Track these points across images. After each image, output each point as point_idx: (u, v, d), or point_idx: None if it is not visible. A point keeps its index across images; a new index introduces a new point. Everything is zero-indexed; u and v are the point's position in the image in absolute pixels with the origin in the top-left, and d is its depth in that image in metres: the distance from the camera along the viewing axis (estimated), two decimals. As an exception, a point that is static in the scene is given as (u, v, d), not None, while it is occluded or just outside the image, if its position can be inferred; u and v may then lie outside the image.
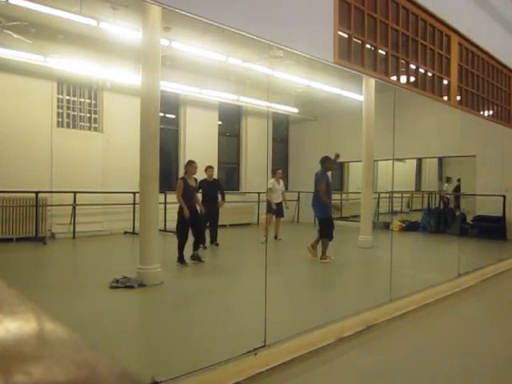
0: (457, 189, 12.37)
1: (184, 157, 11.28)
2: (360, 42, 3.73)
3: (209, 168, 7.91)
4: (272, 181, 8.72)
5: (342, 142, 12.10)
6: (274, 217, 8.74)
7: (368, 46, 3.82)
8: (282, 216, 8.97)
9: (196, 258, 6.45)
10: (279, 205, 8.84)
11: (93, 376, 0.36)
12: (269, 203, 8.81)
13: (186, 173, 6.49)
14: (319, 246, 6.84)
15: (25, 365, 0.35)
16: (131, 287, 4.89)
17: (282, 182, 9.02)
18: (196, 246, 6.47)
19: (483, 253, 8.27)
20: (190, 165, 6.45)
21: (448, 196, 12.14)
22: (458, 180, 12.43)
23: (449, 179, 12.84)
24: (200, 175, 8.28)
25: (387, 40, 4.02)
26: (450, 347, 3.60)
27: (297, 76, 9.85)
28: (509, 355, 3.50)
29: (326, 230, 6.80)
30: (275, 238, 8.81)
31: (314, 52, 3.36)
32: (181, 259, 6.22)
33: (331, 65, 3.51)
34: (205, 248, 7.47)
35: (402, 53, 4.23)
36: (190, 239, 6.41)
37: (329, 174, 6.93)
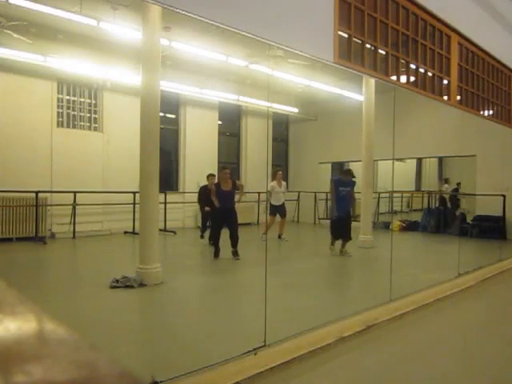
0: (455, 191, 12.37)
1: (184, 157, 11.29)
2: (360, 41, 3.73)
3: (210, 176, 8.05)
4: (273, 184, 8.78)
5: (342, 141, 12.12)
6: (277, 217, 8.81)
7: (368, 45, 3.82)
8: (284, 216, 9.02)
9: (234, 254, 6.85)
10: (282, 206, 8.90)
11: (93, 376, 0.36)
12: (270, 206, 8.88)
13: (219, 179, 7.15)
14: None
15: (25, 365, 0.35)
16: (131, 287, 4.89)
17: (283, 183, 9.06)
18: (233, 244, 6.87)
19: (483, 253, 8.27)
20: (222, 171, 7.09)
21: (445, 196, 12.14)
22: (458, 184, 12.41)
23: (447, 180, 12.83)
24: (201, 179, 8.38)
25: (387, 40, 4.02)
26: (450, 347, 3.60)
27: (297, 76, 9.85)
28: (509, 355, 3.50)
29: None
30: (279, 237, 8.85)
31: (314, 52, 3.35)
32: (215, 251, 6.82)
33: (331, 65, 3.51)
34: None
35: (402, 52, 4.22)
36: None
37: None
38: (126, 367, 0.38)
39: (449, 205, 11.88)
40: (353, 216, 7.48)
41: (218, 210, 6.91)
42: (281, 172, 9.15)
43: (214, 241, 6.99)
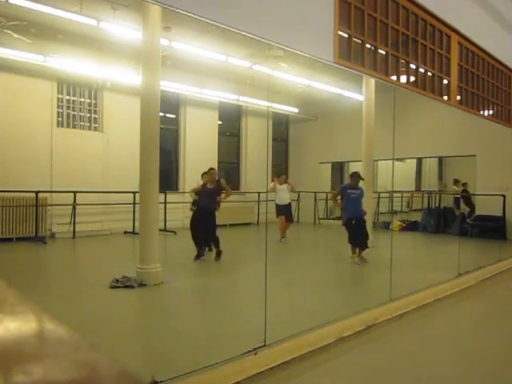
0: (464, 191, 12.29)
1: (184, 157, 11.29)
2: (360, 41, 3.73)
3: (205, 174, 7.81)
4: (273, 183, 8.77)
5: (342, 141, 12.11)
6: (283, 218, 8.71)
7: (368, 45, 3.82)
8: (291, 221, 8.95)
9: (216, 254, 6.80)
10: (287, 207, 8.79)
11: (93, 375, 0.36)
12: (275, 206, 8.79)
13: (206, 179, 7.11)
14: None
15: (25, 365, 0.35)
16: (131, 287, 4.89)
17: (286, 184, 8.89)
18: (216, 245, 6.84)
19: (483, 253, 8.27)
20: (209, 171, 7.00)
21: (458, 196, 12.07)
22: (464, 184, 12.36)
23: (456, 181, 12.76)
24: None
25: (387, 40, 4.02)
26: (450, 347, 3.60)
27: (297, 76, 9.85)
28: (509, 355, 3.50)
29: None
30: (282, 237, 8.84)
31: (314, 52, 3.35)
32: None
33: (331, 65, 3.51)
34: (210, 250, 7.41)
35: (401, 52, 4.23)
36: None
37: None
38: (126, 367, 0.38)
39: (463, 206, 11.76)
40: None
41: (198, 211, 6.83)
42: (283, 176, 9.04)
43: (196, 241, 6.81)
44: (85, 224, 9.09)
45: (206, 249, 7.07)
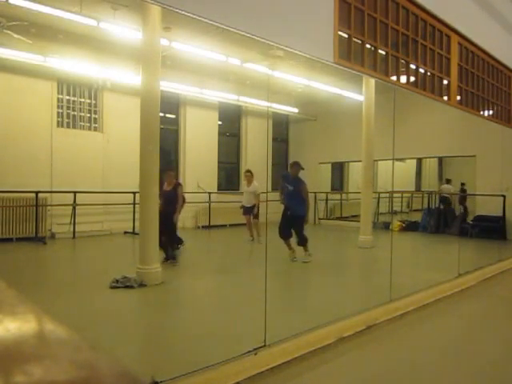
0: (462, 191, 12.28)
1: (184, 157, 11.29)
2: (360, 41, 3.73)
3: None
4: (243, 183, 8.44)
5: (342, 141, 12.12)
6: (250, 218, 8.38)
7: (368, 45, 3.82)
8: (254, 217, 8.45)
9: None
10: (250, 208, 8.43)
11: (92, 376, 0.36)
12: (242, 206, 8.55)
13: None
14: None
15: (25, 365, 0.35)
16: (131, 287, 4.89)
17: (254, 184, 8.54)
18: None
19: (483, 253, 8.27)
20: (166, 173, 6.50)
21: (446, 196, 12.10)
22: (463, 184, 12.34)
23: (448, 180, 12.77)
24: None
25: (387, 40, 4.02)
26: (450, 347, 3.60)
27: (297, 76, 9.85)
28: (509, 355, 3.50)
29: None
30: (254, 238, 8.42)
31: (314, 52, 3.36)
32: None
33: (331, 65, 3.51)
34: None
35: (402, 53, 4.23)
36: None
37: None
38: (126, 367, 0.38)
39: (459, 206, 11.74)
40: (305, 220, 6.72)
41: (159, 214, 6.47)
42: (248, 173, 8.63)
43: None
44: (85, 224, 9.08)
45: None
